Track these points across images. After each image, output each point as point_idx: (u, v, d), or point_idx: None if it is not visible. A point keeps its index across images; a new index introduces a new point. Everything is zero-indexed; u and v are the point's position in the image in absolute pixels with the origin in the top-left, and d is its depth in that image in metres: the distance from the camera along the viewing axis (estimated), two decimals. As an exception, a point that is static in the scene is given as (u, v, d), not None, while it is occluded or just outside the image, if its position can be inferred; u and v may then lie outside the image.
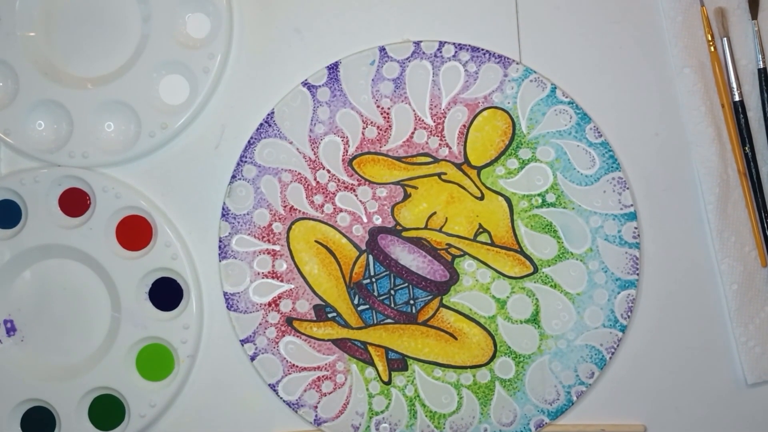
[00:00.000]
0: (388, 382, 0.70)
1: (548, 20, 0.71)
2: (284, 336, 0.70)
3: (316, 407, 0.70)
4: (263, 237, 0.70)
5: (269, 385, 0.70)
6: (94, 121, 0.71)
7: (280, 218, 0.70)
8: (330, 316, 0.70)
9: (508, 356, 0.69)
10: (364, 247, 0.70)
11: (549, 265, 0.69)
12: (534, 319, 0.69)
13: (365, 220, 0.70)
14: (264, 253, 0.70)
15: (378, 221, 0.70)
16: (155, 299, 0.71)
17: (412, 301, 0.70)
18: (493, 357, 0.69)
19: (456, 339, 0.70)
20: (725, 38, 0.70)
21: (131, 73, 0.71)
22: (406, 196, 0.70)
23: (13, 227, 0.73)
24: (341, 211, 0.71)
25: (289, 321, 0.70)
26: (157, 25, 0.71)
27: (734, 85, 0.69)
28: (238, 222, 0.70)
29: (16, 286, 0.73)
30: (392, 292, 0.70)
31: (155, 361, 0.71)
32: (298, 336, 0.70)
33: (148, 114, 0.71)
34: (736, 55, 0.70)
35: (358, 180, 0.70)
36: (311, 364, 0.70)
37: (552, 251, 0.69)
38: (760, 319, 0.69)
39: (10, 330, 0.73)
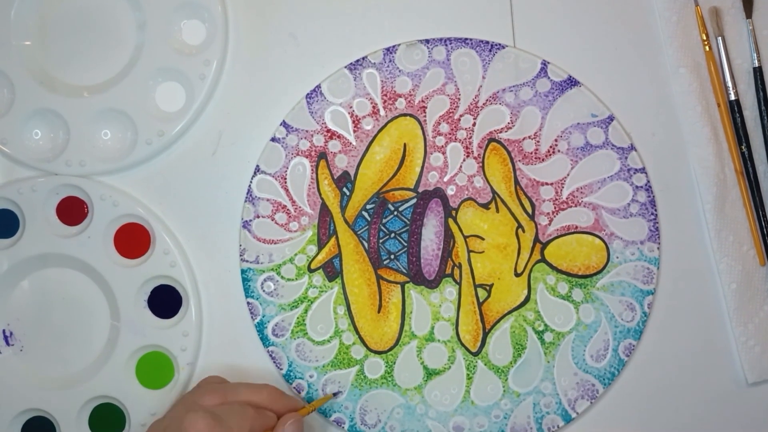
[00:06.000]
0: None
1: (543, 21, 0.71)
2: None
3: None
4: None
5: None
6: (90, 130, 0.71)
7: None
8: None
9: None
10: (421, 191, 0.70)
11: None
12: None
13: (448, 178, 0.70)
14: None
15: (452, 191, 0.70)
16: (154, 307, 0.71)
17: (392, 256, 0.69)
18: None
19: (378, 312, 0.70)
20: (720, 38, 0.70)
21: (127, 81, 0.71)
22: (487, 206, 0.69)
23: (11, 237, 0.72)
24: (444, 152, 0.70)
25: None
26: (153, 33, 0.71)
27: (730, 84, 0.69)
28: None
29: (15, 295, 0.73)
30: (393, 234, 0.69)
31: (155, 369, 0.71)
32: None
33: (144, 121, 0.71)
34: (731, 55, 0.70)
35: (479, 160, 0.70)
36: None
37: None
38: (759, 318, 0.69)
39: (9, 340, 0.72)
